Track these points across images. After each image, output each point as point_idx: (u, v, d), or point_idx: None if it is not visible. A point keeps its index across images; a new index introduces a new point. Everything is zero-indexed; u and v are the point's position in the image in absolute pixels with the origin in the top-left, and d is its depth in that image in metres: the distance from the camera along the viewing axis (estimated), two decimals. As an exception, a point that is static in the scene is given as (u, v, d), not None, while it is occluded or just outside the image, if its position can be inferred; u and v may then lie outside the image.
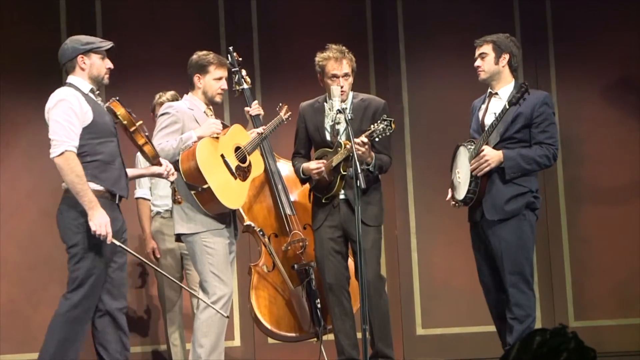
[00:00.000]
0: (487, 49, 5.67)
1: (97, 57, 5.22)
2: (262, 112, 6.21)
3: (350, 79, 5.90)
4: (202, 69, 5.63)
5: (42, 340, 7.14)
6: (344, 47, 5.91)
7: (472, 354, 7.42)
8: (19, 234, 7.32)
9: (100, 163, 5.07)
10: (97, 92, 5.27)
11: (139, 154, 6.55)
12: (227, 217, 5.57)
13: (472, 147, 5.60)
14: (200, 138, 5.43)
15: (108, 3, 7.56)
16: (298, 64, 7.49)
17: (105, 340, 5.17)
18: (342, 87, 5.79)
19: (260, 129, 5.85)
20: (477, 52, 5.72)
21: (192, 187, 5.42)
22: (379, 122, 5.63)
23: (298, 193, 6.38)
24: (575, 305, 7.74)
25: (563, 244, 7.81)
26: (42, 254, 7.28)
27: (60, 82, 7.25)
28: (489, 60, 5.66)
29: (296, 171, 6.04)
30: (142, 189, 6.62)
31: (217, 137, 5.49)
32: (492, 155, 5.49)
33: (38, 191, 7.35)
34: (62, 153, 4.97)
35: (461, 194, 5.65)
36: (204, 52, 5.70)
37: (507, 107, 5.45)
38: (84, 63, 5.20)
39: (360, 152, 5.57)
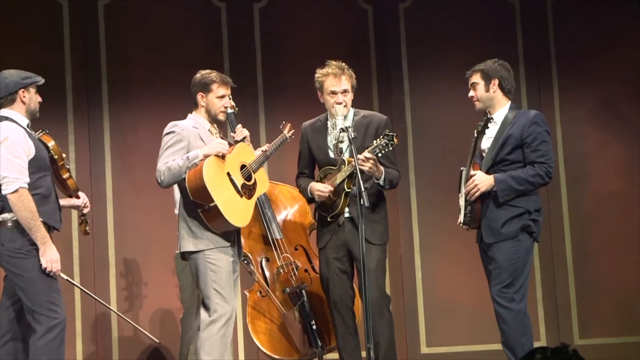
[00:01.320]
0: (477, 78, 5.73)
1: (33, 91, 5.29)
2: (247, 134, 6.19)
3: (350, 95, 5.90)
4: (205, 87, 5.64)
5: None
6: (343, 63, 5.93)
7: (477, 373, 7.48)
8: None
9: (40, 197, 5.13)
10: (30, 126, 5.28)
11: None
12: (232, 236, 5.58)
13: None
14: (206, 156, 5.44)
15: (111, 24, 7.64)
16: (301, 84, 7.47)
17: None
18: (341, 102, 5.81)
19: (264, 147, 5.86)
20: (469, 83, 5.79)
21: (199, 205, 5.42)
22: (381, 137, 5.67)
23: (287, 215, 6.40)
24: (579, 323, 7.76)
25: (567, 262, 7.83)
26: None
27: (64, 102, 7.45)
28: (480, 89, 5.71)
29: (302, 191, 6.05)
30: None
31: (223, 156, 5.50)
32: (482, 180, 5.55)
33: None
34: (16, 190, 5.01)
35: (461, 217, 5.73)
36: (207, 71, 5.71)
37: (476, 135, 5.61)
38: (24, 97, 5.23)
39: (367, 168, 5.61)
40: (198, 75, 5.71)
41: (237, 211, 5.48)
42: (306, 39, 7.84)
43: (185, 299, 6.44)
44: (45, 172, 5.22)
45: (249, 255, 6.24)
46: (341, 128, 5.59)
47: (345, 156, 5.77)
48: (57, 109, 7.41)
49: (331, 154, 5.91)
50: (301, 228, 6.40)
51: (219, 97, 5.65)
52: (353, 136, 5.55)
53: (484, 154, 5.70)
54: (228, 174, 5.50)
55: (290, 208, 6.42)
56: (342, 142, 5.72)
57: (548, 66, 7.98)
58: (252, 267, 6.21)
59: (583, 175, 7.92)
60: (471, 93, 5.76)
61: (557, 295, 7.79)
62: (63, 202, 5.54)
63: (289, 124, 6.07)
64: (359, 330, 5.94)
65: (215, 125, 5.72)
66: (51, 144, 5.35)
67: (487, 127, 5.61)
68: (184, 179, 5.44)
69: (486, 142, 5.69)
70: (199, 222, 5.48)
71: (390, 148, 5.66)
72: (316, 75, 5.93)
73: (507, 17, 8.01)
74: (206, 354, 5.43)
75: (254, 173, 5.65)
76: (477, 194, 5.56)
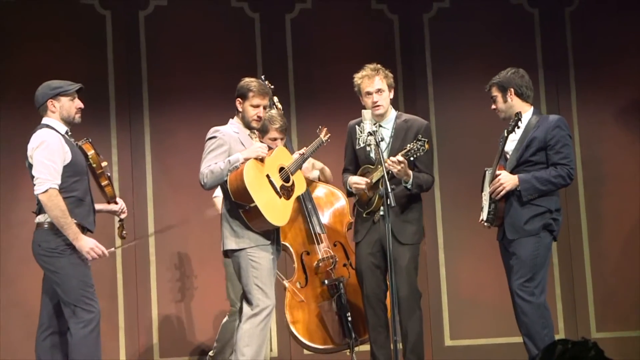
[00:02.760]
0: (494, 91, 5.86)
1: (66, 99, 5.47)
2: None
3: (386, 93, 6.00)
4: (244, 94, 5.75)
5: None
6: (378, 65, 6.03)
7: (498, 364, 7.59)
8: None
9: (75, 199, 5.36)
10: (70, 133, 5.48)
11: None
12: (272, 234, 5.70)
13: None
14: (246, 160, 5.56)
15: (151, 34, 7.79)
16: (331, 90, 7.71)
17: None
18: (376, 102, 5.93)
19: (302, 150, 5.98)
20: (490, 97, 5.92)
21: (240, 205, 5.54)
22: (414, 141, 5.77)
23: (327, 213, 6.51)
24: (596, 317, 7.91)
25: (585, 259, 7.98)
26: (92, 270, 7.09)
27: (107, 107, 7.60)
28: (499, 101, 5.85)
29: (343, 184, 6.16)
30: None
31: (263, 159, 5.62)
32: (507, 179, 5.67)
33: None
34: (46, 190, 5.25)
35: (484, 215, 5.84)
36: (249, 79, 5.81)
37: (506, 135, 5.73)
38: (54, 106, 5.44)
39: (396, 170, 5.72)
40: (241, 81, 5.82)
41: (276, 211, 5.59)
42: (335, 47, 7.96)
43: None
44: (81, 176, 5.43)
45: (290, 247, 6.32)
46: (368, 132, 5.68)
47: (384, 156, 5.81)
48: (101, 115, 7.58)
49: (371, 154, 5.99)
50: (340, 225, 6.51)
51: (253, 106, 5.74)
52: (381, 138, 5.68)
53: (507, 156, 5.81)
54: (267, 176, 5.61)
55: (331, 206, 6.51)
56: (369, 145, 5.84)
57: (566, 72, 8.11)
58: (299, 257, 6.31)
59: (600, 176, 8.04)
60: (493, 106, 5.89)
61: (575, 290, 7.93)
62: (101, 207, 5.76)
63: (325, 129, 6.16)
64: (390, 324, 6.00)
65: (255, 131, 5.83)
66: (91, 152, 5.55)
67: (518, 127, 5.70)
68: (226, 181, 5.56)
69: (510, 145, 5.81)
70: (241, 221, 5.60)
71: (421, 153, 5.74)
72: (354, 80, 6.04)
73: (527, 25, 8.15)
74: (245, 345, 5.55)
75: (292, 175, 5.76)
76: (502, 192, 5.67)
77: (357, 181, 5.98)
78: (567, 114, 7.85)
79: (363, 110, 5.86)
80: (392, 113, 6.11)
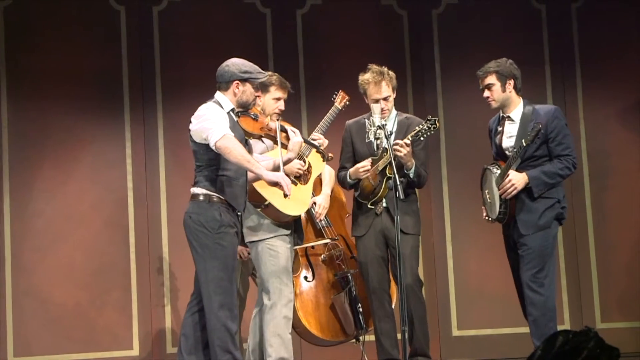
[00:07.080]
0: (492, 79, 5.85)
1: (250, 86, 5.41)
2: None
3: (392, 97, 6.07)
4: (264, 88, 5.80)
5: (105, 341, 7.45)
6: (383, 68, 6.06)
7: (505, 354, 7.66)
8: (84, 242, 7.57)
9: (226, 178, 5.30)
10: (237, 111, 5.42)
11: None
12: (291, 224, 5.78)
13: (498, 171, 5.85)
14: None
15: (165, 29, 7.87)
16: (341, 84, 7.33)
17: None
18: (383, 108, 5.97)
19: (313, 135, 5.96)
20: (483, 84, 5.89)
21: (256, 205, 5.62)
22: (425, 122, 5.87)
23: (330, 207, 6.46)
24: (601, 308, 7.97)
25: (590, 252, 8.05)
26: (106, 261, 7.58)
27: (122, 102, 7.71)
28: (496, 89, 5.84)
29: (342, 179, 6.19)
30: None
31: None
32: (518, 179, 5.72)
33: (102, 202, 7.63)
34: (222, 136, 5.13)
35: (494, 214, 5.89)
36: (268, 73, 5.73)
37: (524, 144, 5.66)
38: (237, 89, 5.37)
39: (402, 154, 5.81)
40: None
41: (294, 202, 5.58)
42: (345, 42, 8.02)
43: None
44: None
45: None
46: (378, 125, 5.76)
47: (388, 146, 5.84)
48: (115, 108, 7.69)
49: (375, 148, 6.05)
50: (339, 219, 6.51)
51: (275, 99, 5.82)
52: (390, 132, 5.78)
53: (507, 152, 5.86)
54: None
55: (331, 200, 6.44)
56: (379, 138, 5.90)
57: (572, 67, 8.17)
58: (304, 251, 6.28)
59: (605, 170, 8.10)
60: (486, 94, 5.88)
61: (581, 282, 7.99)
62: (289, 156, 5.47)
63: (342, 92, 6.14)
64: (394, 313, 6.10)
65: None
66: (246, 123, 5.40)
67: (538, 138, 5.65)
68: None
69: (508, 141, 5.86)
70: (260, 214, 5.68)
71: (432, 132, 5.86)
72: (359, 80, 6.10)
73: (533, 21, 8.21)
74: (272, 334, 5.67)
75: (306, 157, 5.78)
76: (514, 192, 5.75)
77: (364, 163, 6.02)
78: (573, 108, 7.96)
79: (373, 105, 5.95)
80: (393, 111, 6.19)
